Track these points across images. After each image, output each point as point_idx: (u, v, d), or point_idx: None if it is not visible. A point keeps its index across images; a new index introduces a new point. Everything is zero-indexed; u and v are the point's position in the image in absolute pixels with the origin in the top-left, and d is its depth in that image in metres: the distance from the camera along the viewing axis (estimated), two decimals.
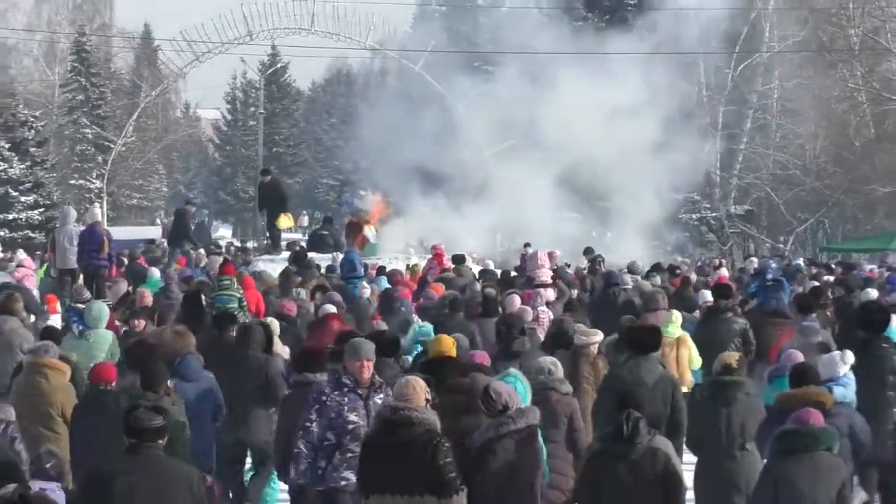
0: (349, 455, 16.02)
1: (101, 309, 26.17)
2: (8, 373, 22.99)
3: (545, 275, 37.73)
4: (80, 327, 25.94)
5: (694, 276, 40.53)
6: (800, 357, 19.64)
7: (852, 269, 47.57)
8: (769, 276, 37.44)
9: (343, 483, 16.06)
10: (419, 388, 14.94)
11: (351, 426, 16.13)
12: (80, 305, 27.63)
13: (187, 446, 17.27)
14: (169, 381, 18.02)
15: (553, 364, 18.95)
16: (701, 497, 17.96)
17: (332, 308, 27.70)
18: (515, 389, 16.45)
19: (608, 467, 15.24)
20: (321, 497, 16.22)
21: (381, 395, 16.28)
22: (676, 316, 25.95)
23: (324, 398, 16.38)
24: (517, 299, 29.01)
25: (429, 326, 26.56)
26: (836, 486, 15.11)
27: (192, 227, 51.64)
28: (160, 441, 14.19)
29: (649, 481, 15.10)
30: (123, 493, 13.69)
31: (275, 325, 24.85)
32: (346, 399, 16.21)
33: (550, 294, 34.17)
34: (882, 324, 21.67)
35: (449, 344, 19.76)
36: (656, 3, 72.01)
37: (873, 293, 33.68)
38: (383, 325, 26.69)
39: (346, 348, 17.03)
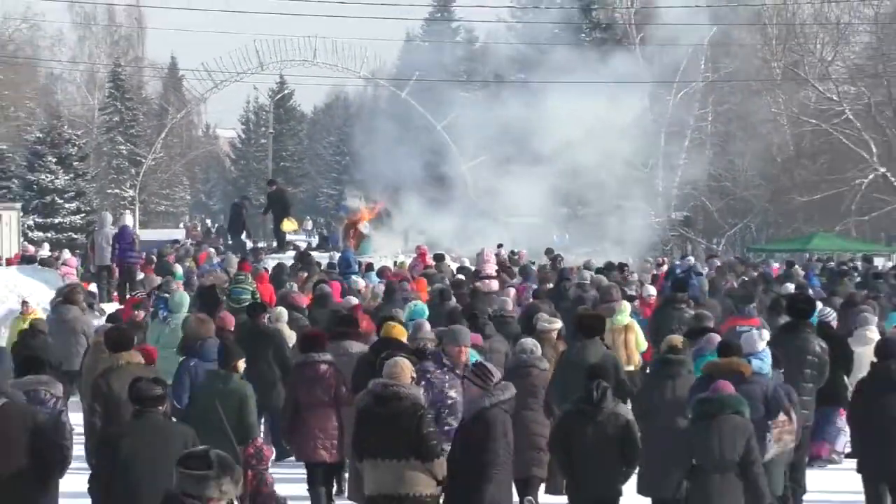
0: (446, 427, 15.46)
1: (183, 297, 26.47)
2: (73, 354, 23.14)
3: (490, 268, 38.92)
4: (165, 313, 26.26)
5: (636, 276, 40.88)
6: (717, 339, 19.72)
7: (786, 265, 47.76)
8: (678, 272, 39.57)
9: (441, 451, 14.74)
10: (406, 368, 14.73)
11: (450, 401, 15.81)
12: (166, 295, 27.96)
13: (254, 413, 17.47)
14: (240, 361, 17.81)
15: (534, 345, 19.25)
16: (651, 459, 17.98)
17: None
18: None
19: (578, 425, 15.75)
20: None
21: None
22: (626, 306, 26.16)
23: (428, 375, 16.04)
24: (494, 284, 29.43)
25: (422, 305, 26.22)
26: (741, 442, 15.55)
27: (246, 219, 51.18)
28: (160, 407, 14.18)
29: (611, 440, 15.63)
30: (129, 450, 13.70)
31: (283, 313, 25.15)
32: (447, 377, 15.85)
33: (494, 285, 34.24)
34: (807, 312, 21.95)
35: (399, 330, 19.95)
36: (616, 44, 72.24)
37: (791, 286, 34.15)
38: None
39: (447, 335, 16.90)
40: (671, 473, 16.50)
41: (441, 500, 14.50)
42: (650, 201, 75.50)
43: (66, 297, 27.39)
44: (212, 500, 8.84)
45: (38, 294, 34.35)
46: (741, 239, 75.90)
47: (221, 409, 16.89)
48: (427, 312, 24.07)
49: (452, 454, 14.50)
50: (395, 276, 35.65)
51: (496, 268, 39.90)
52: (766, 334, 20.34)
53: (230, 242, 50.18)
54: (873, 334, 22.70)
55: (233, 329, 22.95)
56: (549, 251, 49.90)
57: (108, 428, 16.38)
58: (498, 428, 14.47)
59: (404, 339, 19.62)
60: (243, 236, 50.02)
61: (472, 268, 40.73)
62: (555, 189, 68.76)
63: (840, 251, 61.57)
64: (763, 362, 18.90)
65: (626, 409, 16.36)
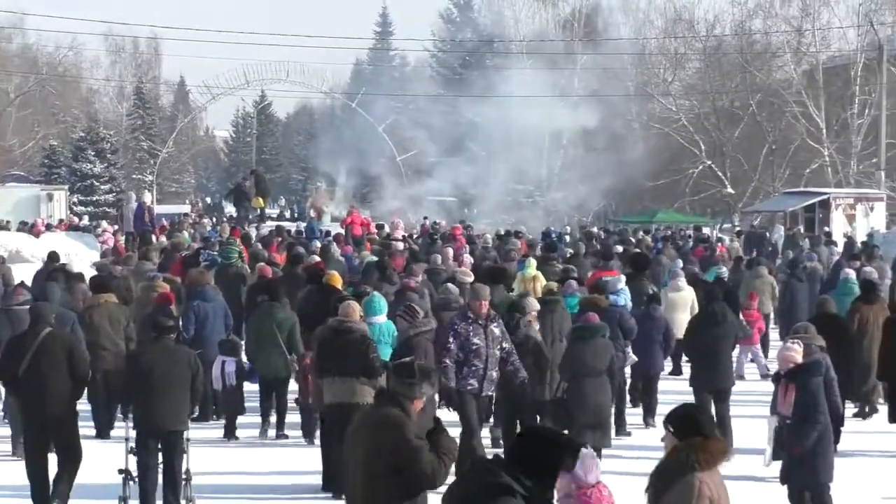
0: (473, 368, 14.93)
1: (232, 248, 27.23)
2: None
3: (398, 235, 39.17)
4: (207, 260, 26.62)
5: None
6: (575, 284, 21.14)
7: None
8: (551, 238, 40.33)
9: (469, 387, 14.89)
10: (356, 308, 14.71)
11: (474, 346, 14.90)
12: (214, 253, 28.12)
13: (299, 334, 18.08)
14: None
15: (454, 289, 20.21)
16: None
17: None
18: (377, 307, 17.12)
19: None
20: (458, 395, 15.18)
21: (495, 324, 15.22)
22: (532, 262, 26.01)
23: (456, 326, 15.10)
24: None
25: (372, 257, 27.79)
26: (606, 358, 16.34)
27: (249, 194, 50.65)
28: (171, 335, 14.50)
29: (526, 353, 16.21)
30: (147, 364, 13.83)
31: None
32: (471, 328, 14.95)
33: (400, 245, 33.37)
34: (643, 266, 24.41)
35: (336, 278, 20.53)
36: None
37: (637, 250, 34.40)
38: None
39: (470, 291, 16.17)
40: (557, 379, 16.88)
41: None
42: (537, 185, 75.63)
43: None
44: (416, 399, 9.17)
45: (80, 252, 34.35)
46: (604, 214, 75.94)
47: (277, 331, 17.98)
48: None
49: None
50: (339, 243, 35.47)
51: (403, 233, 40.09)
52: (623, 279, 21.66)
53: (237, 214, 49.48)
54: (683, 284, 23.34)
55: (271, 274, 23.67)
56: (462, 222, 49.89)
57: (133, 349, 16.88)
58: (419, 351, 14.68)
59: (339, 286, 20.13)
60: (245, 209, 49.44)
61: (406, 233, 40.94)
62: (467, 175, 68.98)
63: (677, 223, 61.78)
64: (619, 297, 20.21)
65: (535, 331, 16.97)
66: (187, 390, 13.89)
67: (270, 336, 18.10)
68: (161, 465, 13.78)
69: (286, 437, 18.22)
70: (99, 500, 13.98)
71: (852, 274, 24.51)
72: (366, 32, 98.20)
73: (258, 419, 18.62)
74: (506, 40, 79.49)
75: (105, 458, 14.99)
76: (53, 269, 24.51)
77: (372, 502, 9.00)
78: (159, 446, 13.77)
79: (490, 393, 15.34)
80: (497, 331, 15.11)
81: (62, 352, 13.95)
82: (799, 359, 13.28)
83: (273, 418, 18.51)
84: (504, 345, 15.12)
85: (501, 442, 16.98)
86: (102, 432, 18.14)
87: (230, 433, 18.35)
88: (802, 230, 47.75)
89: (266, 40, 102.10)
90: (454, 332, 14.93)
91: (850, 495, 14.34)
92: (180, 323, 18.69)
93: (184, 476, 13.81)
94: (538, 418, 16.47)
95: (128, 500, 13.58)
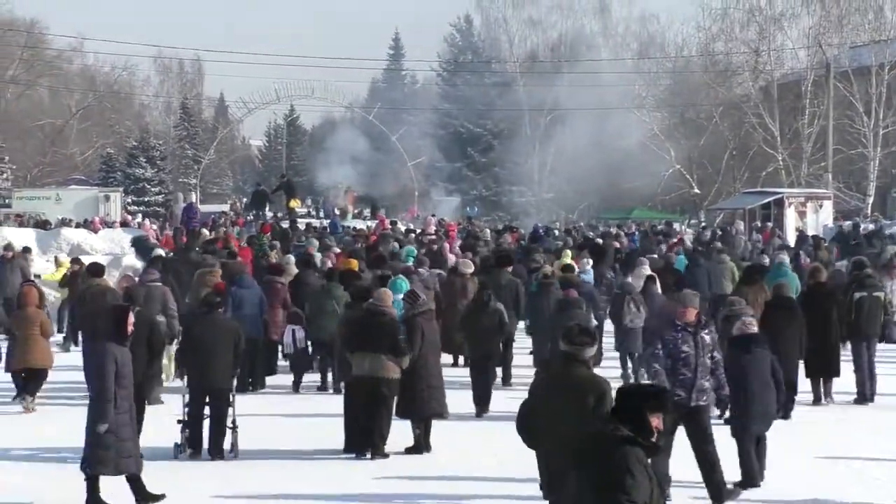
0: (680, 377, 12.22)
1: (262, 242, 28.56)
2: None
3: (431, 229, 39.88)
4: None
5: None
6: (549, 269, 22.55)
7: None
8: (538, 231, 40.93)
9: (676, 398, 11.96)
10: (388, 295, 14.97)
11: (683, 355, 12.27)
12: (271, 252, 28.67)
13: (337, 316, 18.48)
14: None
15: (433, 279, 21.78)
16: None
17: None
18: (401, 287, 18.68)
19: (471, 313, 18.54)
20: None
21: (706, 331, 12.55)
22: (568, 252, 27.85)
23: (666, 336, 12.60)
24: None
25: (413, 248, 28.45)
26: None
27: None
28: (220, 309, 15.32)
29: (491, 319, 18.05)
30: (198, 334, 14.53)
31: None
32: (680, 335, 12.34)
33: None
34: (602, 254, 27.49)
35: (353, 263, 21.81)
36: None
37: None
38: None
39: (679, 298, 13.21)
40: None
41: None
42: (531, 187, 75.88)
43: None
44: (588, 359, 9.44)
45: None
46: (587, 210, 76.07)
47: (335, 304, 19.01)
48: (415, 252, 27.13)
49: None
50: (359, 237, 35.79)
51: (434, 228, 40.31)
52: (589, 262, 24.98)
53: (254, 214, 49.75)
54: (647, 269, 23.20)
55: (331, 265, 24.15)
56: (468, 219, 50.38)
57: (187, 321, 17.16)
58: (416, 330, 14.69)
59: (356, 269, 21.46)
60: (264, 209, 49.69)
61: (417, 229, 41.22)
62: (467, 179, 69.29)
63: (651, 219, 61.96)
64: (587, 276, 23.39)
65: (502, 307, 18.46)
66: (231, 354, 14.40)
67: (326, 307, 19.18)
68: (209, 417, 14.31)
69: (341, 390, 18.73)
70: (157, 446, 14.20)
71: (786, 259, 24.91)
72: (381, 55, 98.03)
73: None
74: (502, 61, 79.76)
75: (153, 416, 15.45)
76: (153, 257, 25.21)
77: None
78: (207, 401, 14.30)
79: (702, 403, 12.39)
80: (708, 338, 12.52)
81: (145, 327, 14.44)
82: (754, 329, 13.41)
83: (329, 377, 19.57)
84: (715, 354, 12.51)
85: None
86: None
87: (297, 387, 19.41)
88: (759, 225, 47.88)
89: (295, 62, 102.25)
90: (662, 340, 12.62)
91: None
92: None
93: (230, 425, 14.31)
94: None
95: (184, 446, 14.25)
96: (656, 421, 7.13)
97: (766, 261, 25.94)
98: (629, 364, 20.30)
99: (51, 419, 16.90)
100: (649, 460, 7.06)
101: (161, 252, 28.34)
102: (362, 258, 24.29)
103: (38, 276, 26.19)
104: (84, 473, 11.74)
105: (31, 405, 17.46)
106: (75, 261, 25.49)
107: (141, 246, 32.21)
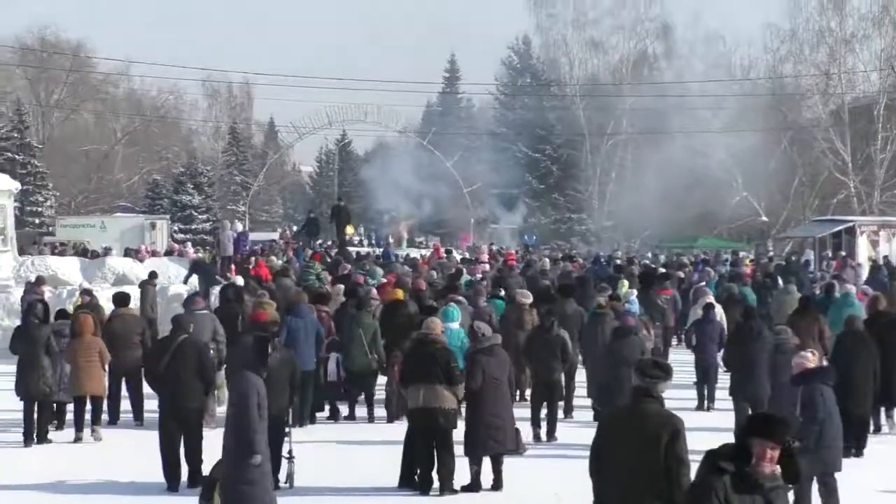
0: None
1: (310, 270, 29.46)
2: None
3: (484, 257, 40.47)
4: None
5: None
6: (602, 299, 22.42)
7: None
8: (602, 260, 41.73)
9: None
10: (437, 323, 15.10)
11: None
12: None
13: (379, 342, 19.65)
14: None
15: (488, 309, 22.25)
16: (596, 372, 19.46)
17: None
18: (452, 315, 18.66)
19: (535, 339, 18.77)
20: None
21: None
22: (625, 282, 29.10)
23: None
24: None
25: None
26: (639, 349, 17.35)
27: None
28: (276, 339, 15.84)
29: (554, 346, 18.28)
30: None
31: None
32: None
33: (486, 267, 35.38)
34: (651, 282, 27.19)
35: (399, 293, 22.04)
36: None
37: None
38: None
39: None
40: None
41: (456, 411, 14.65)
42: (590, 215, 75.93)
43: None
44: (659, 395, 8.98)
45: (180, 274, 34.94)
46: (650, 239, 75.91)
47: (362, 334, 19.56)
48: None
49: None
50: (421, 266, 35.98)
51: (487, 256, 40.66)
52: (635, 293, 25.29)
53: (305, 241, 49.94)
54: (710, 298, 24.23)
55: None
56: (526, 247, 50.55)
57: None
58: (476, 365, 14.59)
59: (402, 298, 21.71)
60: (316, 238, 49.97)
61: (472, 257, 41.42)
62: (526, 206, 69.39)
63: (716, 248, 61.78)
64: (632, 305, 23.33)
65: (566, 333, 18.80)
66: (288, 384, 14.53)
67: (355, 337, 19.67)
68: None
69: (373, 419, 19.51)
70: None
71: (853, 290, 24.75)
72: (436, 77, 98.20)
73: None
74: (561, 83, 79.89)
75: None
76: (226, 285, 25.87)
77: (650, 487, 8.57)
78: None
79: None
80: None
81: (194, 355, 14.83)
82: (809, 365, 13.37)
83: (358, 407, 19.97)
84: None
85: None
86: (113, 419, 19.43)
87: (334, 416, 19.88)
88: (830, 255, 47.67)
89: (346, 85, 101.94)
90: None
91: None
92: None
93: (286, 455, 14.33)
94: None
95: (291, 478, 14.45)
96: (766, 451, 6.79)
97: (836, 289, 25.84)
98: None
99: (109, 444, 17.84)
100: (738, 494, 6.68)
101: (221, 279, 28.86)
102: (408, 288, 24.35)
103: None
104: None
105: (99, 434, 18.20)
106: (85, 292, 24.73)
107: (203, 269, 32.50)
